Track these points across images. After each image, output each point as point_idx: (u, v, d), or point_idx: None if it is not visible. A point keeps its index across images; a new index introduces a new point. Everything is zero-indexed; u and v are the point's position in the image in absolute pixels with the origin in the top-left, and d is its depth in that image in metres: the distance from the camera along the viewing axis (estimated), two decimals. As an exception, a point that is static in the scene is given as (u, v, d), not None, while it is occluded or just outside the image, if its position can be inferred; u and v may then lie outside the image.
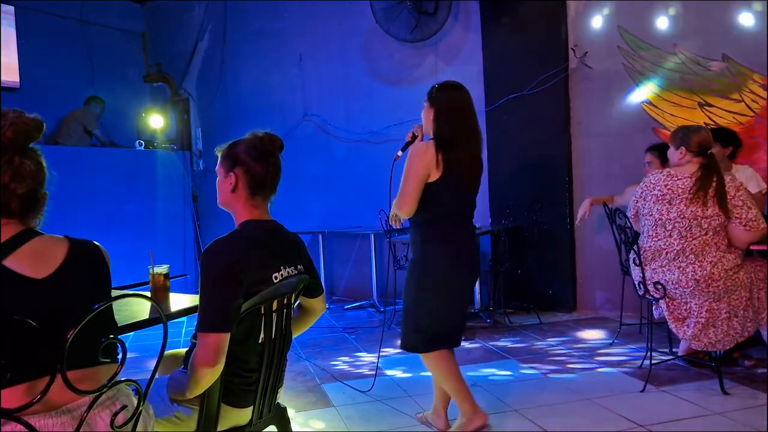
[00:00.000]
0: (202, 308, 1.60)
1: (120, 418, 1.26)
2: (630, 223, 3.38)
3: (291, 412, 2.08)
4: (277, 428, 1.95)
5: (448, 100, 2.60)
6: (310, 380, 3.60)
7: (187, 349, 1.88)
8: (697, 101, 4.63)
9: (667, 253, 3.14)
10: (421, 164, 2.49)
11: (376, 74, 6.07)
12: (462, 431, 2.64)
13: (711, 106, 4.58)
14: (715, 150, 3.76)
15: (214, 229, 6.77)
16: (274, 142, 1.82)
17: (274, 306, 1.72)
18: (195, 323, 1.61)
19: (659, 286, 3.14)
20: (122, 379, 1.26)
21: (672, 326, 3.21)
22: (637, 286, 3.30)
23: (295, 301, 1.87)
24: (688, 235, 3.09)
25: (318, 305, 2.02)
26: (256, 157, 1.79)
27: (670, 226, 3.14)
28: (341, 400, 3.26)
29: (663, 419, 2.78)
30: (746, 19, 4.40)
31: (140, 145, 6.54)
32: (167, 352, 1.50)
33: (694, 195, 3.07)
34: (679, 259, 3.10)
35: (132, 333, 1.75)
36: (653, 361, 3.26)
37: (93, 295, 1.29)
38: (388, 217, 2.84)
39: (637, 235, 3.36)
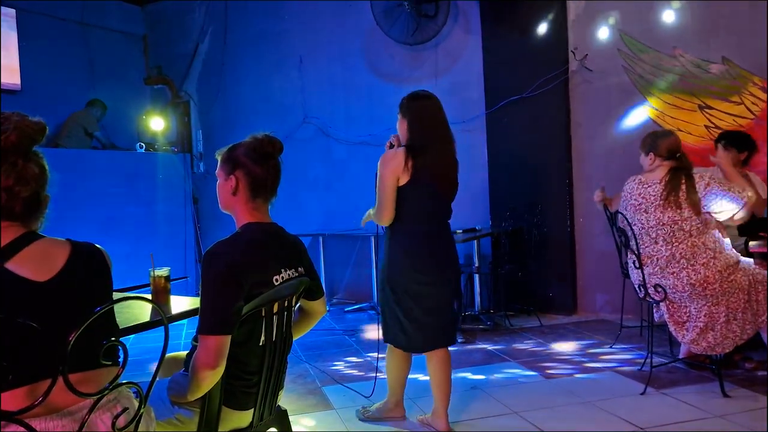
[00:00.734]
0: (203, 310, 1.60)
1: (121, 421, 1.26)
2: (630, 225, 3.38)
3: (291, 415, 2.08)
4: (278, 430, 1.95)
5: (418, 109, 2.70)
6: (311, 383, 3.60)
7: (187, 351, 1.89)
8: (697, 104, 4.64)
9: (657, 259, 3.15)
10: (390, 170, 2.60)
11: (377, 77, 6.07)
12: (378, 416, 2.94)
13: (711, 108, 4.59)
14: (730, 155, 3.74)
15: (215, 232, 6.77)
16: (274, 145, 1.83)
17: (275, 308, 1.72)
18: (196, 326, 1.61)
19: (660, 289, 3.14)
20: (123, 381, 1.26)
21: (672, 329, 3.21)
22: (637, 288, 3.30)
23: (295, 304, 1.87)
24: (674, 240, 3.09)
25: (318, 308, 2.03)
26: (256, 160, 1.79)
27: (654, 234, 3.15)
28: (342, 402, 3.26)
29: (663, 422, 2.78)
30: (746, 22, 4.41)
31: (141, 147, 6.55)
32: (168, 354, 1.50)
33: (665, 200, 3.09)
34: (671, 265, 3.10)
35: (132, 336, 1.76)
36: (654, 364, 3.26)
37: (95, 298, 1.29)
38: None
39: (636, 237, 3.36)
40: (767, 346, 3.14)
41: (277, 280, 1.73)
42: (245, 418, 1.77)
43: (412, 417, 2.97)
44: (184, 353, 1.97)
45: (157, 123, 6.93)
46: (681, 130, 4.59)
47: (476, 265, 5.34)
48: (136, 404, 1.33)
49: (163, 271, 2.13)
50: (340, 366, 3.95)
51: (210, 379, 1.58)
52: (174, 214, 6.65)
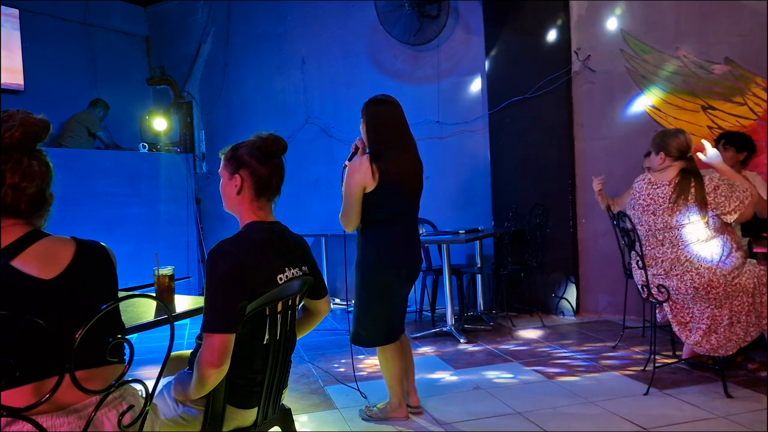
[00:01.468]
0: (207, 309, 1.60)
1: (127, 418, 1.27)
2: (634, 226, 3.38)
3: (294, 414, 2.08)
4: (282, 429, 1.96)
5: (376, 113, 2.78)
6: (313, 382, 3.60)
7: (191, 350, 1.89)
8: (700, 104, 4.63)
9: (662, 261, 3.14)
10: (357, 179, 2.68)
11: (379, 77, 6.08)
12: (382, 416, 2.95)
13: (714, 109, 4.58)
14: (729, 153, 3.75)
15: (218, 232, 6.79)
16: (279, 144, 1.83)
17: (279, 307, 1.72)
18: (199, 325, 1.62)
19: (663, 289, 3.14)
20: (129, 379, 1.26)
21: (675, 330, 3.21)
22: (640, 289, 3.30)
23: (299, 303, 1.87)
24: (680, 243, 3.08)
25: (322, 307, 2.03)
26: (261, 159, 1.79)
27: (661, 236, 3.13)
28: (344, 402, 3.26)
29: (666, 422, 2.78)
30: (749, 23, 4.40)
31: (144, 147, 6.56)
32: (172, 353, 1.51)
33: (674, 203, 3.06)
34: (676, 267, 3.09)
35: (136, 334, 1.76)
36: (656, 365, 3.26)
37: (100, 296, 1.29)
38: None
39: (639, 238, 3.36)
40: (770, 347, 3.14)
41: (281, 279, 1.73)
42: (249, 416, 1.77)
43: (413, 415, 2.97)
44: (188, 352, 1.97)
45: (159, 123, 6.95)
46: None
47: (479, 265, 5.34)
48: (142, 402, 1.33)
49: (167, 270, 2.13)
50: (342, 366, 3.95)
51: (214, 377, 1.58)
52: (176, 214, 6.66)
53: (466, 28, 5.65)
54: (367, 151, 2.77)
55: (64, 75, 6.67)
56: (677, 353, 3.68)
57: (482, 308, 5.35)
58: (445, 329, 4.65)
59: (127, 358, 1.24)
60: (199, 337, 1.66)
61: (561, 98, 5.15)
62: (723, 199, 3.00)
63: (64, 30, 6.81)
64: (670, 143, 3.17)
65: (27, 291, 1.19)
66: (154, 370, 1.26)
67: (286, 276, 1.75)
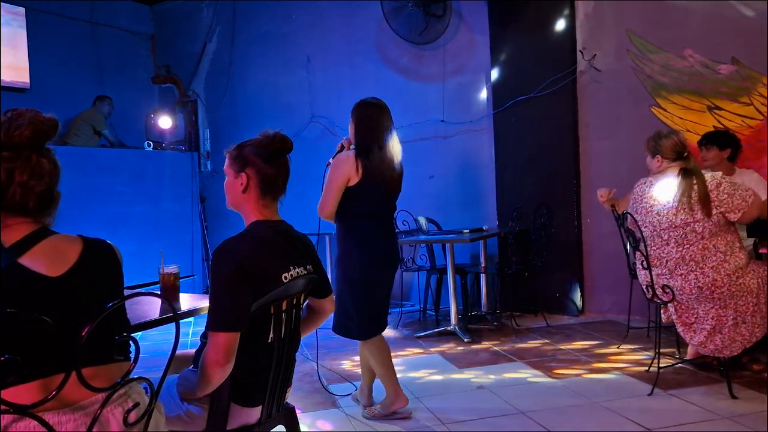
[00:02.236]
0: (212, 308, 1.61)
1: (132, 416, 1.27)
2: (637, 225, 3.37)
3: (298, 413, 2.09)
4: (286, 428, 1.96)
5: (365, 115, 2.94)
6: (317, 381, 3.61)
7: (197, 348, 1.89)
8: (706, 104, 4.61)
9: (667, 261, 3.13)
10: (342, 172, 2.82)
11: (384, 76, 6.08)
12: (385, 412, 2.99)
13: (720, 109, 4.57)
14: (712, 153, 3.77)
15: (222, 230, 6.79)
16: (285, 142, 1.83)
17: (284, 306, 1.73)
18: (203, 323, 1.62)
19: (667, 290, 3.13)
20: (134, 377, 1.27)
21: (680, 330, 3.20)
22: (645, 289, 3.29)
23: (303, 301, 1.87)
24: (685, 242, 3.07)
25: (327, 305, 2.03)
26: (268, 158, 1.80)
27: (666, 236, 3.13)
28: (348, 401, 3.27)
29: (670, 423, 2.77)
30: (756, 22, 4.39)
31: (149, 145, 6.57)
32: (177, 352, 1.51)
33: (678, 203, 3.06)
34: (680, 267, 3.08)
35: (140, 333, 1.77)
36: (661, 365, 3.25)
37: (107, 294, 1.30)
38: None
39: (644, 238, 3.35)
40: (776, 348, 3.13)
41: (285, 278, 1.73)
42: (253, 414, 1.77)
43: (417, 414, 2.98)
44: (192, 351, 1.98)
45: (164, 122, 6.96)
46: (690, 131, 4.57)
47: (483, 265, 5.34)
48: (147, 400, 1.34)
49: (172, 269, 2.14)
50: (346, 364, 3.95)
51: (219, 375, 1.59)
52: (181, 212, 6.68)
53: (472, 27, 5.64)
54: (353, 147, 2.92)
55: (69, 73, 6.70)
56: (682, 354, 3.67)
57: (486, 308, 5.34)
58: (449, 328, 4.65)
59: (132, 355, 1.25)
60: (204, 336, 1.66)
61: (566, 98, 5.14)
62: (726, 196, 2.99)
63: (70, 28, 6.84)
64: (663, 145, 3.19)
65: (34, 288, 1.20)
66: (159, 368, 1.26)
67: (291, 275, 1.75)
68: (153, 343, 3.92)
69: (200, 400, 1.71)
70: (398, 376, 2.99)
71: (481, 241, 5.21)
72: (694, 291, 3.04)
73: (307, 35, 6.56)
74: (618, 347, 4.09)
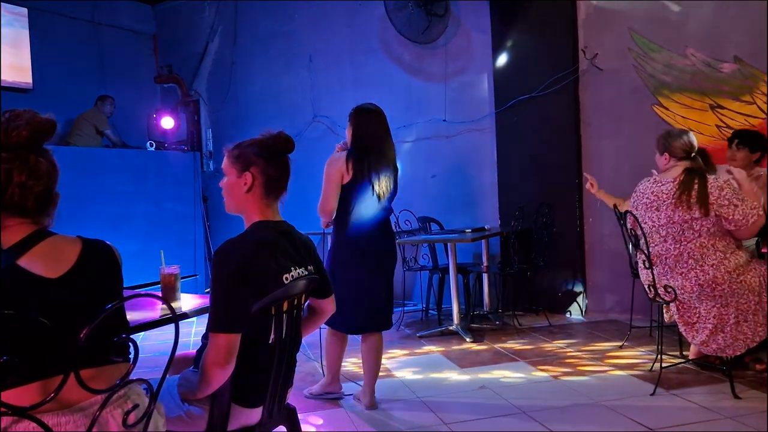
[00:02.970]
0: (213, 308, 1.61)
1: (132, 417, 1.27)
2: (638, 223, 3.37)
3: (299, 413, 2.08)
4: (287, 428, 1.96)
5: (362, 120, 3.08)
6: (319, 381, 3.60)
7: (198, 349, 1.89)
8: (709, 103, 4.60)
9: (666, 258, 3.14)
10: (335, 168, 2.97)
11: (386, 75, 6.07)
12: (319, 391, 3.27)
13: (722, 108, 4.55)
14: (742, 153, 3.75)
15: (225, 230, 6.79)
16: (289, 142, 1.83)
17: (285, 306, 1.73)
18: (205, 324, 1.62)
19: (669, 289, 3.13)
20: (134, 378, 1.26)
21: (682, 330, 3.20)
22: (647, 289, 3.29)
23: (305, 302, 1.87)
24: (683, 239, 3.08)
25: (327, 306, 2.03)
26: (271, 157, 1.80)
27: (664, 232, 3.14)
28: (349, 400, 3.27)
29: (673, 423, 2.76)
30: (758, 21, 4.37)
31: (151, 145, 6.57)
32: (177, 353, 1.51)
33: (677, 199, 3.07)
34: (680, 264, 3.09)
35: (142, 334, 1.77)
36: (663, 365, 3.24)
37: (105, 295, 1.30)
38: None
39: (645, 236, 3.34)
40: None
41: (287, 279, 1.73)
42: (254, 415, 1.77)
43: (419, 414, 2.98)
44: (193, 352, 1.98)
45: (167, 121, 6.96)
46: (692, 130, 4.54)
47: (485, 264, 5.33)
48: (146, 401, 1.34)
49: (172, 269, 2.14)
50: (347, 364, 3.95)
51: (220, 376, 1.59)
52: (183, 212, 6.67)
53: (473, 27, 5.63)
54: (347, 149, 3.06)
55: (72, 73, 6.70)
56: (684, 353, 3.66)
57: (488, 307, 5.34)
58: (451, 328, 4.65)
59: (131, 357, 1.25)
60: (205, 336, 1.66)
61: (568, 97, 5.12)
62: (726, 202, 2.99)
63: (73, 28, 6.84)
64: (673, 144, 3.22)
65: (33, 290, 1.20)
66: (160, 369, 1.26)
67: (292, 275, 1.75)
68: (155, 343, 3.92)
69: (201, 401, 1.71)
70: (400, 375, 3.00)
71: (483, 241, 5.20)
72: (695, 289, 3.04)
73: (310, 35, 6.56)
74: (620, 347, 4.08)
